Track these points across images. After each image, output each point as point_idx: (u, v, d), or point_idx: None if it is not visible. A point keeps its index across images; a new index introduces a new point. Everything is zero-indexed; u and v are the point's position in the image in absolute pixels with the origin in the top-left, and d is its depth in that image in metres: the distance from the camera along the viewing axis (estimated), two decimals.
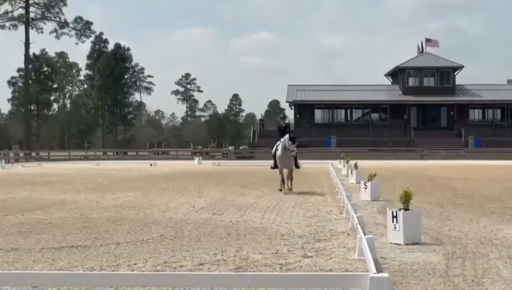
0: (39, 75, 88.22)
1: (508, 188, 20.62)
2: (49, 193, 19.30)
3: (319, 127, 67.68)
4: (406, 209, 9.59)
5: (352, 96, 69.18)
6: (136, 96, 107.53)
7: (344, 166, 30.50)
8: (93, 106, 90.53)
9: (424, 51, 72.34)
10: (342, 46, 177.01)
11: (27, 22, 77.36)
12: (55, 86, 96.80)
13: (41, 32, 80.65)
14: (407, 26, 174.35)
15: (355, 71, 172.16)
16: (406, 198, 9.60)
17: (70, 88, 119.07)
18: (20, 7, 77.80)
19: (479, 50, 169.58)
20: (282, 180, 18.93)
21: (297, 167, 19.33)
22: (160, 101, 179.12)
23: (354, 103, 69.08)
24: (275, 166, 19.36)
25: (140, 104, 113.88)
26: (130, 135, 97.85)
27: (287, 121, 21.08)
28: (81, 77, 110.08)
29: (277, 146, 19.12)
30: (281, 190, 18.69)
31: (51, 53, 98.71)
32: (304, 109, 69.99)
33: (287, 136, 18.64)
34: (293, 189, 18.85)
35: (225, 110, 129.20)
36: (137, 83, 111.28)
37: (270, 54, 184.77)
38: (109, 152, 73.59)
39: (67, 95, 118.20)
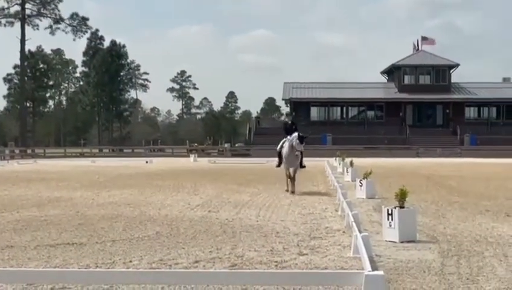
0: (35, 72, 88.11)
1: (503, 186, 20.68)
2: (44, 190, 19.27)
3: (315, 124, 67.69)
4: (401, 207, 9.60)
5: (348, 94, 69.20)
6: (132, 94, 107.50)
7: (340, 164, 30.54)
8: (89, 103, 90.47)
9: (420, 48, 72.45)
10: (339, 44, 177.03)
11: (23, 18, 77.15)
12: (51, 82, 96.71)
13: (37, 29, 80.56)
14: (404, 24, 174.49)
15: (352, 69, 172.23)
16: (402, 196, 9.61)
17: (66, 85, 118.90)
18: (16, 4, 77.61)
19: (475, 48, 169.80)
20: (291, 179, 18.07)
21: (302, 166, 18.56)
22: (156, 98, 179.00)
23: (349, 100, 69.13)
24: (280, 164, 18.62)
25: (136, 101, 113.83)
26: (125, 132, 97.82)
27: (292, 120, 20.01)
28: (77, 74, 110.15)
29: (283, 143, 18.41)
30: (287, 190, 17.98)
31: (47, 50, 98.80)
32: (299, 106, 70.02)
33: (295, 134, 17.81)
34: (295, 191, 17.71)
35: (221, 107, 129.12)
36: (133, 80, 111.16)
37: (267, 52, 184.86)
38: (105, 149, 73.51)
39: (63, 92, 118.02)
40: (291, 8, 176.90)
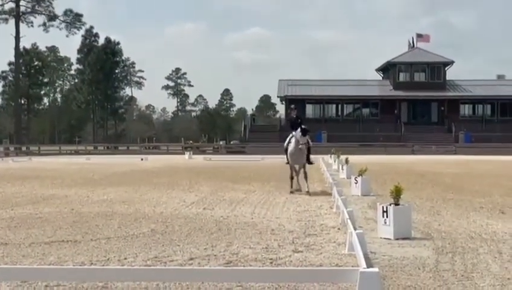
0: (30, 69, 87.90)
1: (498, 183, 20.72)
2: (39, 188, 19.22)
3: (310, 122, 67.35)
4: (396, 204, 9.60)
5: (343, 91, 69.26)
6: (127, 91, 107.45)
7: (335, 161, 30.54)
8: (83, 101, 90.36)
9: (415, 46, 72.53)
10: (334, 41, 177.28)
11: (17, 15, 76.95)
12: (45, 80, 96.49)
13: (32, 26, 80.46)
14: (400, 21, 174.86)
15: (347, 66, 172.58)
16: (397, 193, 9.60)
17: (61, 82, 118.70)
18: (10, 1, 77.45)
19: (470, 46, 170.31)
20: (291, 177, 17.59)
21: (309, 162, 17.99)
22: (151, 95, 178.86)
23: (345, 98, 69.18)
24: (288, 161, 17.80)
25: (131, 99, 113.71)
26: (120, 129, 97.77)
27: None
28: (72, 72, 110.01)
29: (289, 139, 17.79)
30: (292, 192, 17.13)
31: (42, 47, 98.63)
32: (294, 103, 69.71)
33: (299, 129, 17.19)
34: (309, 190, 16.88)
35: (216, 105, 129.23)
36: (128, 77, 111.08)
37: (263, 49, 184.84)
38: (100, 147, 73.49)
39: (57, 90, 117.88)
40: (287, 5, 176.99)
